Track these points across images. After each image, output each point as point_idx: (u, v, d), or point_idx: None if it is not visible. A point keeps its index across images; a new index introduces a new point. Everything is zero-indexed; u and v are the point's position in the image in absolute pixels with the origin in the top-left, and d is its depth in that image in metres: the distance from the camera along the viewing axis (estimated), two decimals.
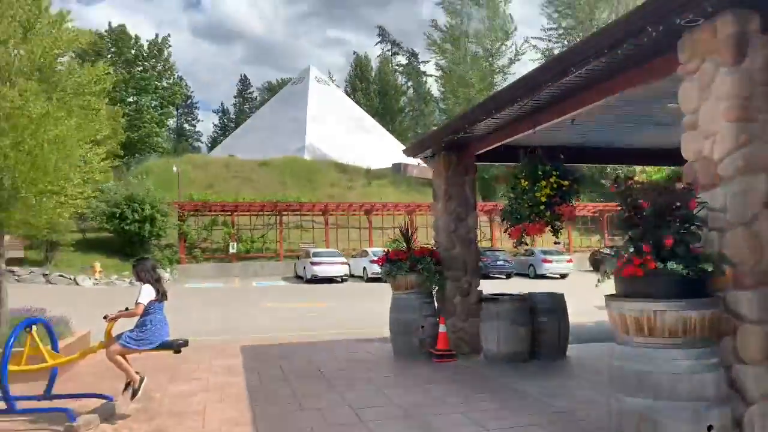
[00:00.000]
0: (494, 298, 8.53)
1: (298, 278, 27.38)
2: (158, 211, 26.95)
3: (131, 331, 5.95)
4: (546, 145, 7.34)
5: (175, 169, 33.41)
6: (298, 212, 32.51)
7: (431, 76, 73.10)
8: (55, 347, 6.47)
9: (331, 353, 9.41)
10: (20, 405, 6.35)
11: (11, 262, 22.88)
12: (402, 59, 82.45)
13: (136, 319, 6.03)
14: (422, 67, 78.66)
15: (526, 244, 7.63)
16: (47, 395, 6.19)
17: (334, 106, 54.34)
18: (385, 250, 9.09)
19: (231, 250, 29.77)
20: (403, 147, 52.92)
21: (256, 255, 30.67)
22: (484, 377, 7.54)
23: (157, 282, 6.11)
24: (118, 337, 5.94)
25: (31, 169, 8.26)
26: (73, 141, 8.63)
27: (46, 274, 22.53)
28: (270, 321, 14.45)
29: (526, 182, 6.85)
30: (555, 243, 26.65)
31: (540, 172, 6.74)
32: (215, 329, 13.15)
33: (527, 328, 8.22)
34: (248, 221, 31.63)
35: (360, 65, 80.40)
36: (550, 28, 51.33)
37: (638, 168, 17.08)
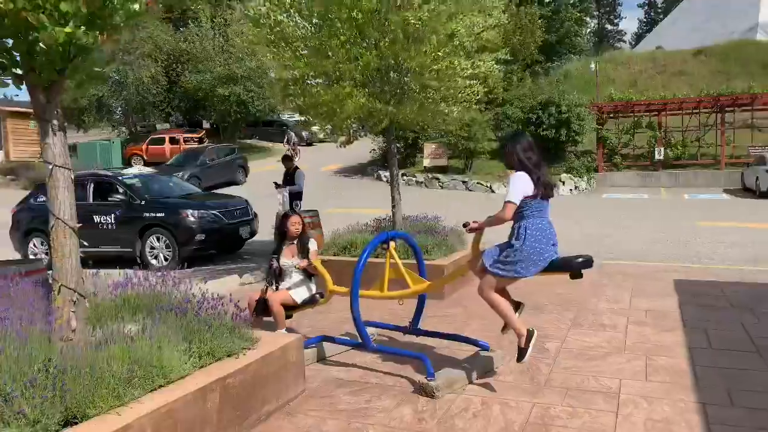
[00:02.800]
0: None
1: (747, 191, 21.62)
2: (575, 115, 24.72)
3: (499, 247, 3.94)
4: None
5: (592, 66, 30.26)
6: (749, 108, 25.57)
7: None
8: (420, 267, 5.06)
9: None
10: (381, 335, 5.26)
11: (436, 170, 24.43)
12: None
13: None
14: None
15: None
16: (414, 329, 4.86)
17: None
18: None
19: (657, 157, 25.50)
20: None
21: (688, 162, 25.64)
22: None
23: (536, 167, 3.89)
24: (487, 255, 4.01)
25: (416, 56, 7.03)
26: (455, 26, 7.07)
27: (465, 182, 23.22)
28: (710, 245, 10.87)
29: None
30: None
31: None
32: (636, 250, 10.46)
33: None
34: (679, 122, 26.52)
35: None
36: None
37: None
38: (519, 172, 3.86)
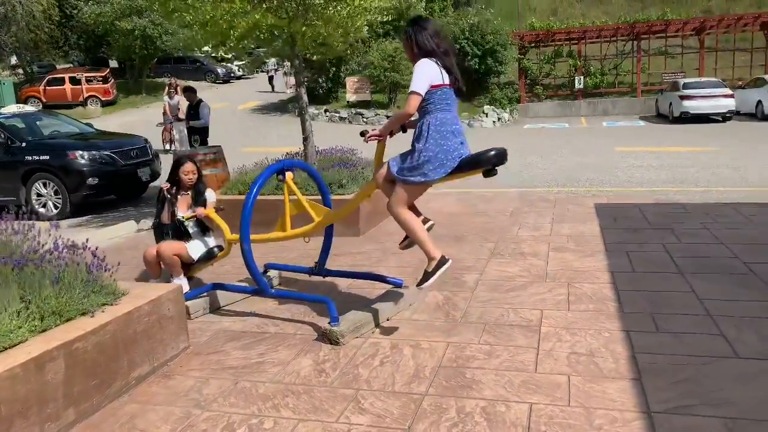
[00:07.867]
0: None
1: (661, 117, 22.18)
2: (499, 44, 24.20)
3: (402, 154, 3.43)
4: None
5: None
6: (663, 34, 25.96)
7: None
8: (325, 200, 4.50)
9: (750, 227, 5.71)
10: (285, 278, 4.73)
11: (360, 104, 23.62)
12: None
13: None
14: None
15: None
16: (319, 270, 4.35)
17: None
18: None
19: (577, 86, 25.67)
20: None
21: (606, 90, 26.00)
22: None
23: (444, 55, 3.38)
24: (392, 163, 3.52)
25: None
26: None
27: (389, 116, 22.58)
28: (627, 170, 10.90)
29: None
30: None
31: None
32: (557, 177, 10.32)
33: None
34: (598, 50, 26.71)
35: None
36: None
37: None
38: (424, 59, 3.31)
